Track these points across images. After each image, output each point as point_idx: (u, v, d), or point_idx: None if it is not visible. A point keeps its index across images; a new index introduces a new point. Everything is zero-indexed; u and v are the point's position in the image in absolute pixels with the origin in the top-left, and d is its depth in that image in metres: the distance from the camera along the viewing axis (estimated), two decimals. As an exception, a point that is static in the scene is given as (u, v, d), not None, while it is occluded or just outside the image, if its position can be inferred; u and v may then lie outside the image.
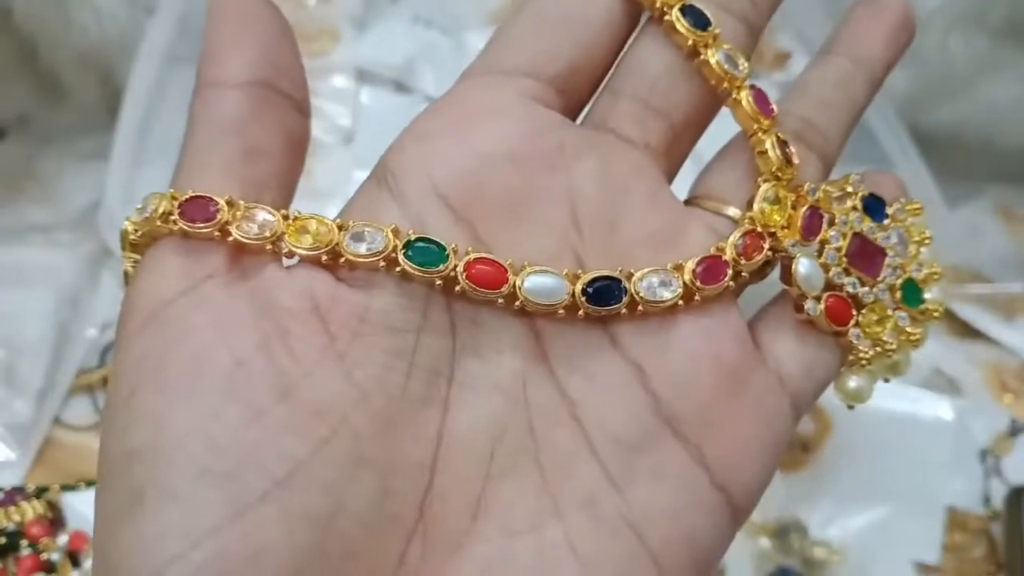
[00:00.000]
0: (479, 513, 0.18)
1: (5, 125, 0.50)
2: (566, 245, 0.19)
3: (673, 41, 0.20)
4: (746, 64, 0.21)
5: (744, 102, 0.21)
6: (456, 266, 0.18)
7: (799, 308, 0.20)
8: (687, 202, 0.21)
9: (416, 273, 0.18)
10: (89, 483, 0.39)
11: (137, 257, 0.19)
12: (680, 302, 0.19)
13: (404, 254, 0.18)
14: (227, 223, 0.18)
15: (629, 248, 0.19)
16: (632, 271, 0.19)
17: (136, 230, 0.18)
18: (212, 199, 0.18)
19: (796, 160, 0.21)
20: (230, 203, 0.18)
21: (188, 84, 0.20)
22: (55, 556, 0.37)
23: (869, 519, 0.40)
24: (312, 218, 0.18)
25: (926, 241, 0.22)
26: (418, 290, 0.18)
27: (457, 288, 0.18)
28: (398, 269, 0.18)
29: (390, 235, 0.18)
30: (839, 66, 0.23)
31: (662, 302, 0.19)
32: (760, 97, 0.21)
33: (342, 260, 0.18)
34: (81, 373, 0.43)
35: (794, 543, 0.40)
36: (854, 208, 0.21)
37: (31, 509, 0.38)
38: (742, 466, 0.19)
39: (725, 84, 0.20)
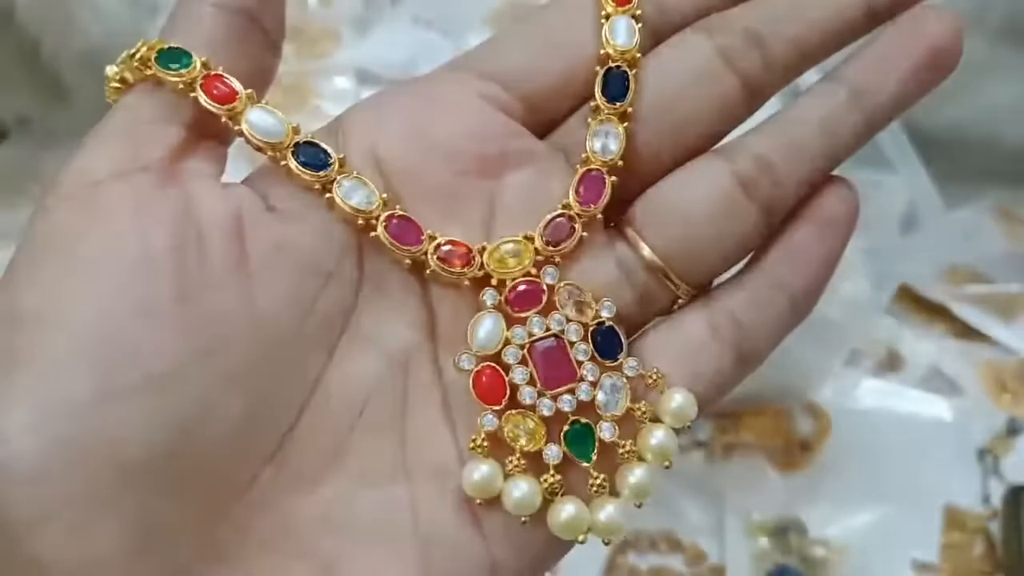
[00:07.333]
0: (335, 460, 0.19)
1: (7, 126, 0.50)
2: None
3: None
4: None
5: None
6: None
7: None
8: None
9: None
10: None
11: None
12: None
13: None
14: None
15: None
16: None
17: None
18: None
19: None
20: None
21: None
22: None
23: (868, 518, 0.41)
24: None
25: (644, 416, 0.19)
26: (339, 238, 0.19)
27: (373, 234, 0.19)
28: (283, 164, 0.19)
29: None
30: (832, 102, 0.20)
31: None
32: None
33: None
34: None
35: (793, 542, 0.40)
36: (580, 323, 0.19)
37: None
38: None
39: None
